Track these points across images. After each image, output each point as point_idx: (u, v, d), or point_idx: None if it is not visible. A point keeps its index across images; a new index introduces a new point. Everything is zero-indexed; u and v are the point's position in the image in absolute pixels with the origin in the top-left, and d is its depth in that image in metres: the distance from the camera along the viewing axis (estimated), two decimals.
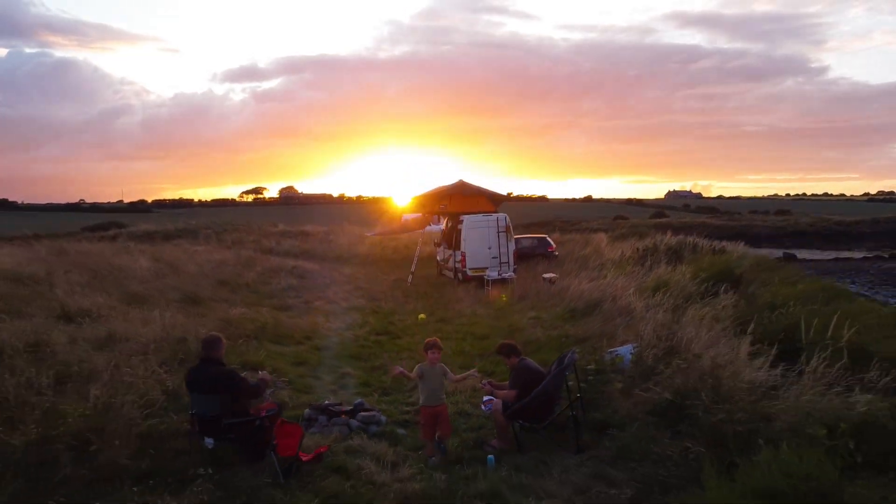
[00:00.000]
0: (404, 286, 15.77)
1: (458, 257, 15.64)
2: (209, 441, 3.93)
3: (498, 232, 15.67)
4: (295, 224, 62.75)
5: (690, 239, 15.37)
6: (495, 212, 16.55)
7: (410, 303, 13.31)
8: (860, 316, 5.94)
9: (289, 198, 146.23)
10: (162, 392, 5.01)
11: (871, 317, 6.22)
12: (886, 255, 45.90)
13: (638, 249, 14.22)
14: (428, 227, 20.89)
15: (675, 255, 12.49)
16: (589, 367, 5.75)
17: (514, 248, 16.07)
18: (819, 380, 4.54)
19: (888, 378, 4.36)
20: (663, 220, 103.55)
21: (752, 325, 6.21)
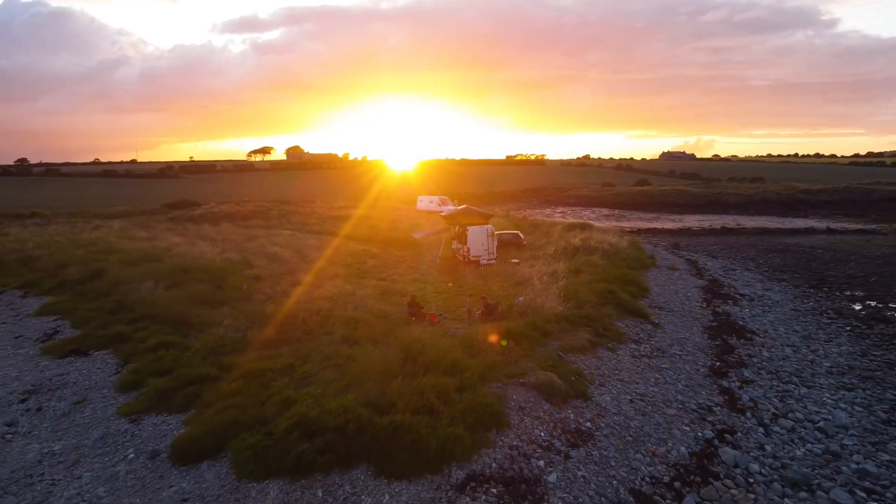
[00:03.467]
0: (435, 265, 29.39)
1: (465, 249, 29.19)
2: (412, 318, 17.69)
3: (487, 236, 29.15)
4: (319, 192, 76.07)
5: (593, 240, 28.94)
6: (486, 223, 30.02)
7: (442, 277, 26.92)
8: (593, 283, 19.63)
9: (299, 163, 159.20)
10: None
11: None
12: (802, 228, 59.10)
13: (557, 249, 27.87)
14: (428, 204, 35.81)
15: (574, 253, 26.10)
16: (507, 303, 19.44)
17: (496, 244, 29.54)
18: (559, 305, 18.27)
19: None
20: (644, 188, 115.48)
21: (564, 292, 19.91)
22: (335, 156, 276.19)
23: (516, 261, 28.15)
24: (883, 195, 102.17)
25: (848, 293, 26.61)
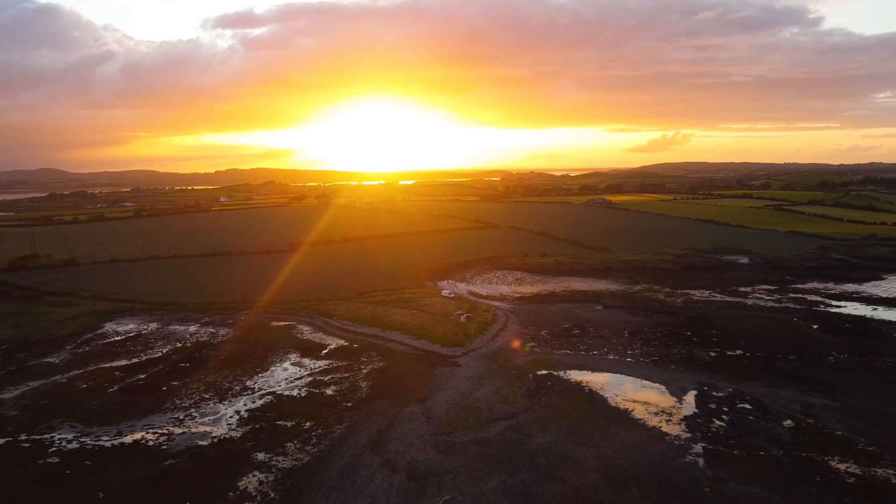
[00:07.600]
0: (457, 321, 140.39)
1: (461, 319, 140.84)
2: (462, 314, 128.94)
3: (466, 316, 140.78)
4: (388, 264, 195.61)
5: (482, 317, 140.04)
6: (464, 315, 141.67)
7: (457, 327, 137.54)
8: None
9: (328, 207, 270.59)
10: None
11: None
12: (558, 291, 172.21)
13: (477, 319, 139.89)
14: (446, 293, 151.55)
15: (479, 322, 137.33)
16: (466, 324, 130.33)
17: (466, 317, 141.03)
18: None
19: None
20: (542, 259, 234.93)
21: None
22: (347, 196, 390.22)
23: (469, 323, 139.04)
24: (648, 264, 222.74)
25: (544, 330, 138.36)
